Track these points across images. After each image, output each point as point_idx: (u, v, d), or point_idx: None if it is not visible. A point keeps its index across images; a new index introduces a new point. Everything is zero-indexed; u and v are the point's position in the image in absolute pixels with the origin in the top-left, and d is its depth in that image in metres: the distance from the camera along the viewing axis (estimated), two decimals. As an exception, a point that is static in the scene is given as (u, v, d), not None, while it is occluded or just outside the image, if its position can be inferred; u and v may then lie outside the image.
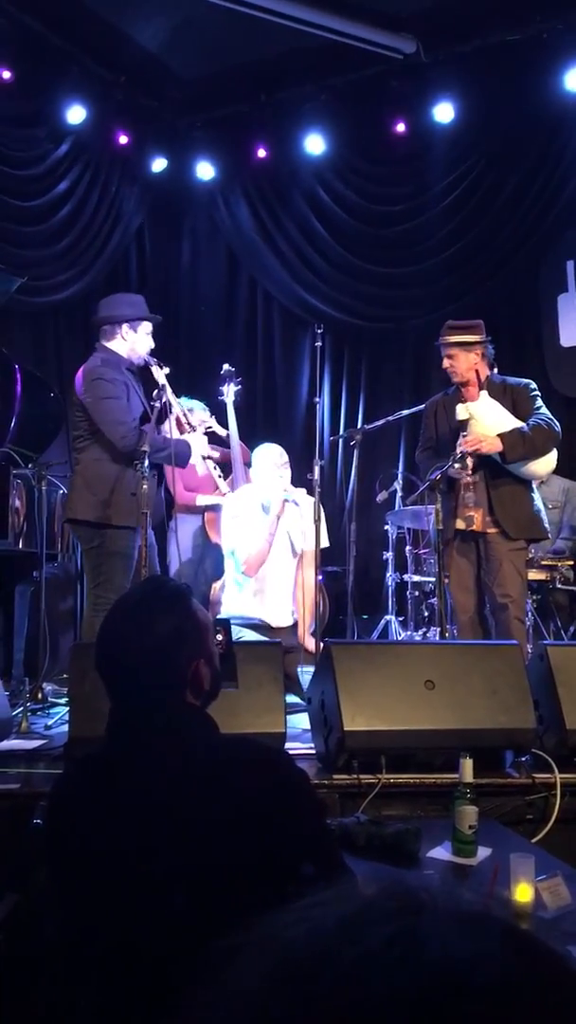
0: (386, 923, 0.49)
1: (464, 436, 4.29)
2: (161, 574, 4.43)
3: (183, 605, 1.65)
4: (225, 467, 5.69)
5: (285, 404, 7.76)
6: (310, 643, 4.70)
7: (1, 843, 2.83)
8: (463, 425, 4.32)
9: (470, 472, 4.29)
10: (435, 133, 7.00)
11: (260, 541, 4.77)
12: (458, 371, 4.47)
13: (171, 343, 7.35)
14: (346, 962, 0.47)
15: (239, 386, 5.77)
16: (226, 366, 5.77)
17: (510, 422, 4.32)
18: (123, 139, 7.25)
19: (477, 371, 4.46)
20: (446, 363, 4.51)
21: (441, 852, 2.51)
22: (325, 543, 4.74)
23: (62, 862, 1.58)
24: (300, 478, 5.07)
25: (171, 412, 4.42)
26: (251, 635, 4.31)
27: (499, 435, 4.26)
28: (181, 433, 4.46)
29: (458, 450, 4.27)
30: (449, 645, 3.84)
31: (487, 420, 4.33)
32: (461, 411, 4.34)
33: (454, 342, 4.47)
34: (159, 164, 7.58)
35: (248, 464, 5.28)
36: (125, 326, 4.43)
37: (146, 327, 4.47)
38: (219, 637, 1.93)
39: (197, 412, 5.56)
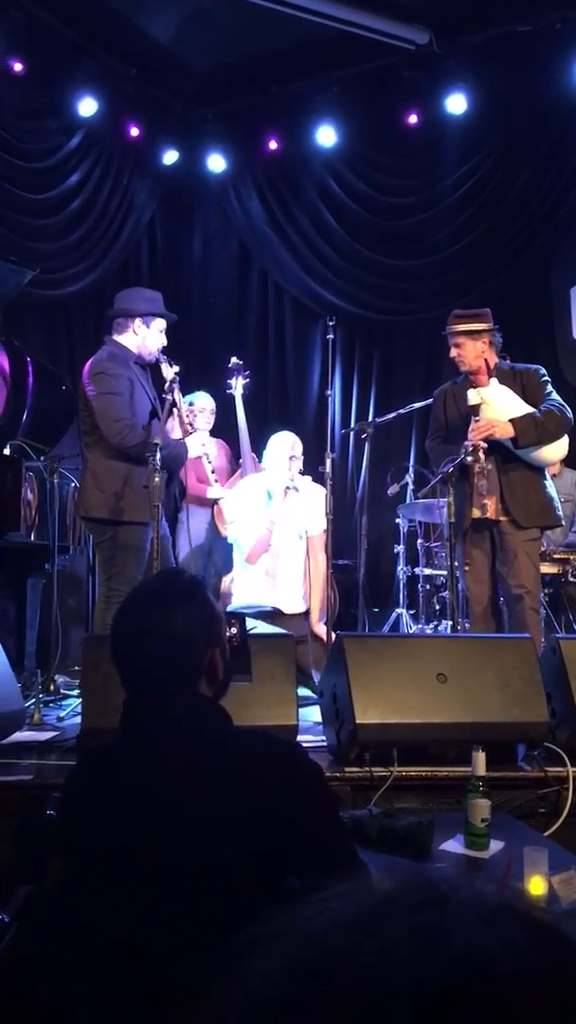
0: (409, 915, 0.49)
1: (476, 421, 4.27)
2: (173, 566, 4.43)
3: (198, 596, 1.66)
4: (233, 460, 5.70)
5: (296, 397, 7.75)
6: (321, 630, 4.70)
7: (14, 834, 2.84)
8: (475, 410, 4.30)
9: (483, 459, 4.27)
10: (447, 124, 6.97)
11: (261, 529, 4.79)
12: (466, 360, 4.45)
13: (182, 335, 7.35)
14: (370, 954, 0.47)
15: (247, 379, 5.76)
16: (234, 359, 5.76)
17: (521, 408, 4.30)
18: (134, 131, 7.24)
19: (486, 359, 4.43)
20: (453, 352, 4.48)
21: (454, 845, 2.50)
22: (323, 526, 4.72)
23: (74, 853, 1.58)
24: (312, 470, 5.06)
25: (176, 411, 4.41)
26: (263, 626, 4.31)
27: (511, 420, 4.24)
28: (184, 433, 4.46)
29: (470, 435, 4.25)
30: (461, 638, 3.83)
31: (499, 405, 4.30)
32: (473, 396, 4.32)
33: (461, 331, 4.45)
34: (170, 156, 7.57)
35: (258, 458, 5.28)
36: (138, 320, 4.42)
37: (159, 324, 4.46)
38: (233, 630, 1.93)
39: (201, 400, 5.55)
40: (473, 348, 4.42)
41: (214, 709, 1.64)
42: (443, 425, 4.60)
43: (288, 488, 4.85)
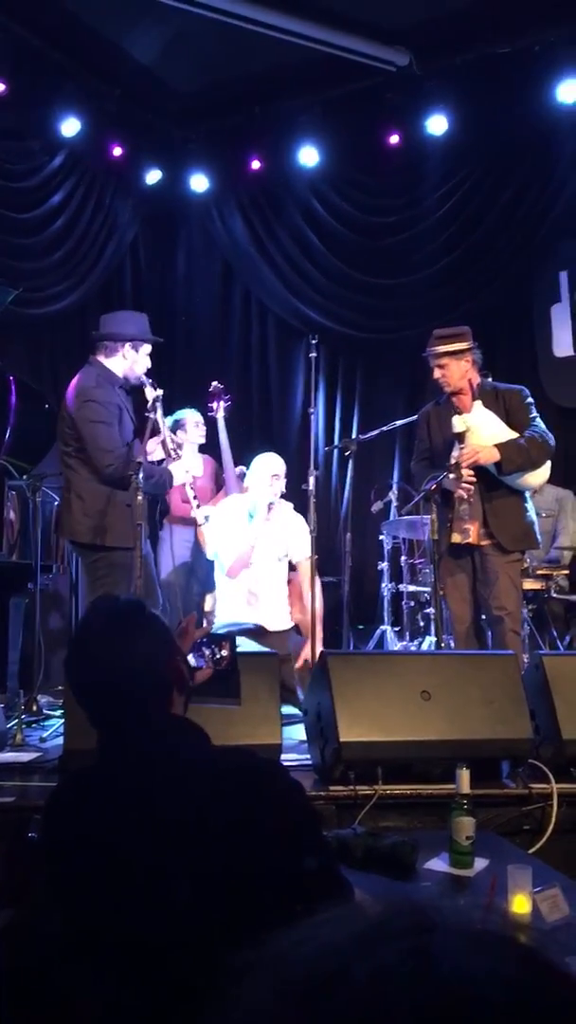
0: (399, 940, 0.49)
1: (460, 448, 4.28)
2: (150, 585, 4.40)
3: (145, 613, 1.70)
4: (216, 481, 5.72)
5: (280, 414, 7.77)
6: (308, 652, 4.68)
7: (-4, 857, 2.81)
8: (460, 437, 4.31)
9: (471, 486, 4.27)
10: (429, 145, 7.03)
11: (242, 545, 4.79)
12: (451, 381, 4.45)
13: (165, 354, 7.36)
14: (361, 979, 0.47)
15: (228, 402, 5.78)
16: (215, 383, 5.78)
17: (505, 433, 4.32)
18: (117, 151, 7.26)
19: (469, 379, 4.45)
20: (437, 373, 4.47)
21: (438, 863, 2.50)
22: (308, 553, 4.72)
23: (58, 875, 1.57)
24: (295, 488, 5.07)
25: (159, 434, 4.41)
26: (247, 643, 4.30)
27: (496, 445, 4.25)
28: (166, 455, 4.46)
29: (453, 462, 4.27)
30: (445, 655, 3.83)
31: (483, 432, 4.32)
32: (458, 423, 4.32)
33: (444, 351, 4.43)
34: (153, 176, 7.60)
35: (241, 477, 5.29)
36: (127, 345, 4.42)
37: (147, 348, 4.47)
38: (223, 652, 1.93)
39: (192, 415, 5.57)
40: (457, 368, 4.43)
41: (189, 728, 1.65)
42: (427, 448, 4.61)
43: (271, 504, 4.85)
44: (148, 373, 4.47)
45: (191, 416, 5.61)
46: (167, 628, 1.72)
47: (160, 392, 4.30)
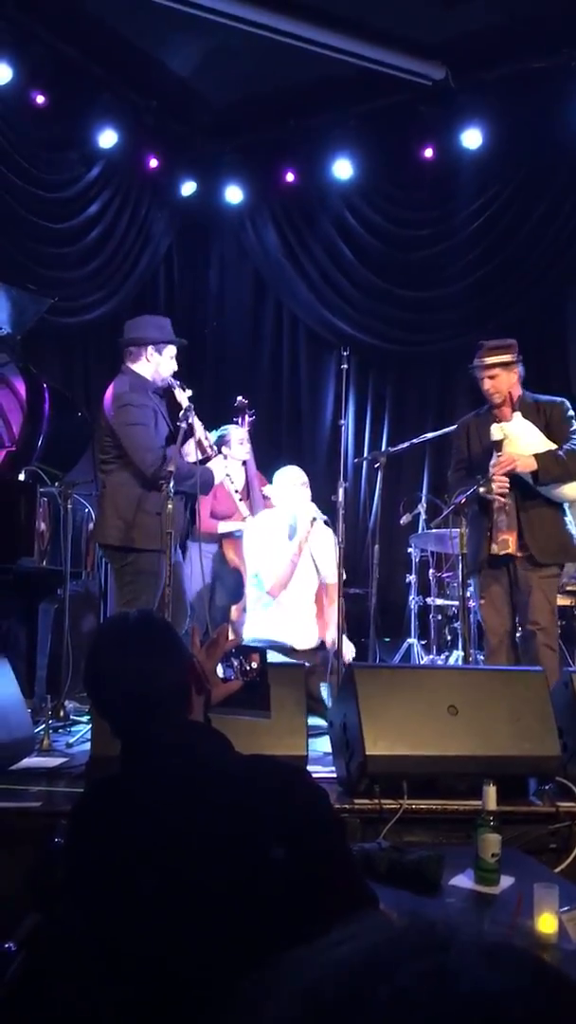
0: (415, 960, 0.49)
1: (498, 456, 4.27)
2: (179, 595, 4.41)
3: (157, 624, 1.75)
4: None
5: (310, 426, 7.78)
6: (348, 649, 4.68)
7: (22, 862, 2.82)
8: (497, 445, 4.29)
9: (505, 493, 4.25)
10: (463, 159, 7.03)
11: (284, 562, 4.76)
12: (501, 391, 4.43)
13: (197, 365, 7.40)
14: (379, 1001, 0.47)
15: (253, 417, 5.79)
16: (240, 398, 5.79)
17: (543, 443, 4.29)
18: (153, 163, 7.33)
19: (510, 391, 4.44)
20: (488, 384, 4.43)
21: (463, 880, 2.48)
22: (334, 578, 4.70)
23: (83, 882, 1.58)
24: (324, 500, 5.06)
25: (194, 434, 4.42)
26: (276, 657, 4.30)
27: (534, 455, 4.23)
28: (203, 455, 4.47)
29: (491, 471, 4.24)
30: (473, 670, 3.81)
31: (521, 441, 4.29)
32: (496, 431, 4.31)
33: (496, 362, 4.41)
34: (188, 188, 7.66)
35: (265, 497, 5.28)
36: (150, 348, 4.45)
37: (171, 350, 4.49)
38: (252, 664, 1.93)
39: (236, 432, 5.58)
40: (507, 379, 4.42)
41: (211, 735, 1.66)
42: (466, 458, 4.59)
43: (315, 520, 4.81)
44: (176, 376, 4.49)
45: (235, 433, 5.62)
46: (177, 637, 1.74)
47: (190, 392, 4.33)
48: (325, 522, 4.86)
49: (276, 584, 4.78)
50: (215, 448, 4.60)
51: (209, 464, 4.45)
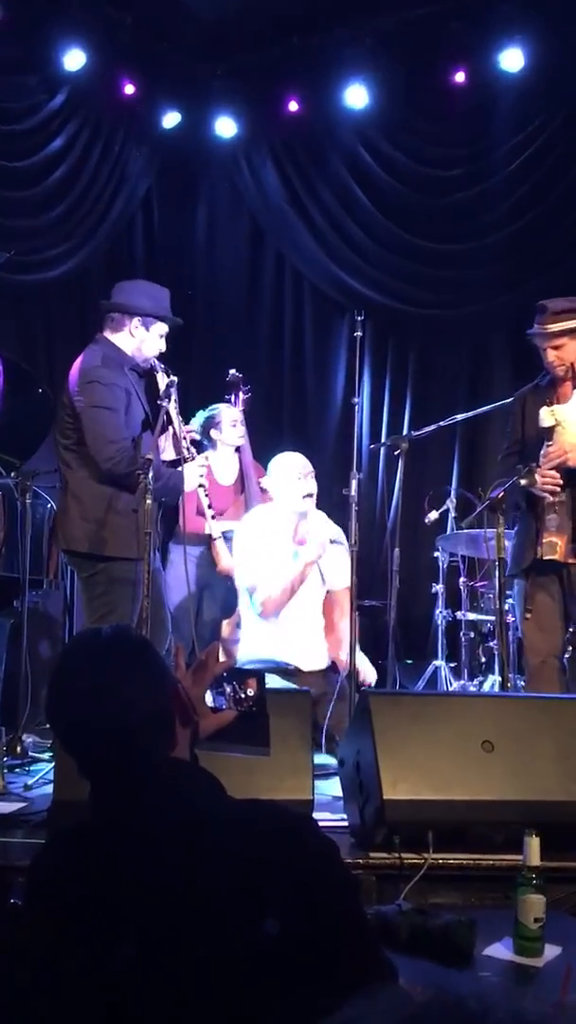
0: None
1: (548, 446, 4.25)
2: (159, 608, 4.41)
3: (132, 641, 1.76)
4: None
5: (317, 405, 7.78)
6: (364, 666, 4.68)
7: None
8: (547, 433, 4.27)
9: (553, 492, 4.23)
10: (501, 84, 7.01)
11: (281, 581, 4.73)
12: (567, 363, 4.39)
13: (182, 333, 7.38)
14: None
15: (248, 394, 5.79)
16: (232, 372, 5.80)
17: None
18: (129, 89, 7.32)
19: (573, 363, 4.40)
20: (551, 356, 4.40)
21: (500, 950, 2.48)
22: (347, 582, 4.70)
23: (45, 948, 1.58)
24: (333, 494, 5.05)
25: (172, 427, 4.42)
26: (274, 680, 4.29)
27: None
28: (177, 454, 4.46)
29: (541, 462, 4.23)
30: (512, 698, 3.81)
31: None
32: (546, 416, 4.29)
33: (564, 329, 4.36)
34: (171, 119, 7.65)
35: (263, 490, 5.28)
36: (136, 320, 4.45)
37: (161, 328, 4.50)
38: (248, 691, 1.93)
39: (229, 412, 5.58)
40: (574, 349, 4.39)
41: (198, 775, 1.66)
42: (520, 439, 4.58)
43: (333, 541, 4.79)
44: (161, 358, 4.49)
45: (227, 413, 5.62)
46: (160, 659, 1.75)
47: (174, 379, 4.31)
48: (332, 541, 4.84)
49: (269, 604, 4.76)
50: (192, 450, 4.57)
51: (182, 468, 4.43)
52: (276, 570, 4.77)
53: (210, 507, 5.05)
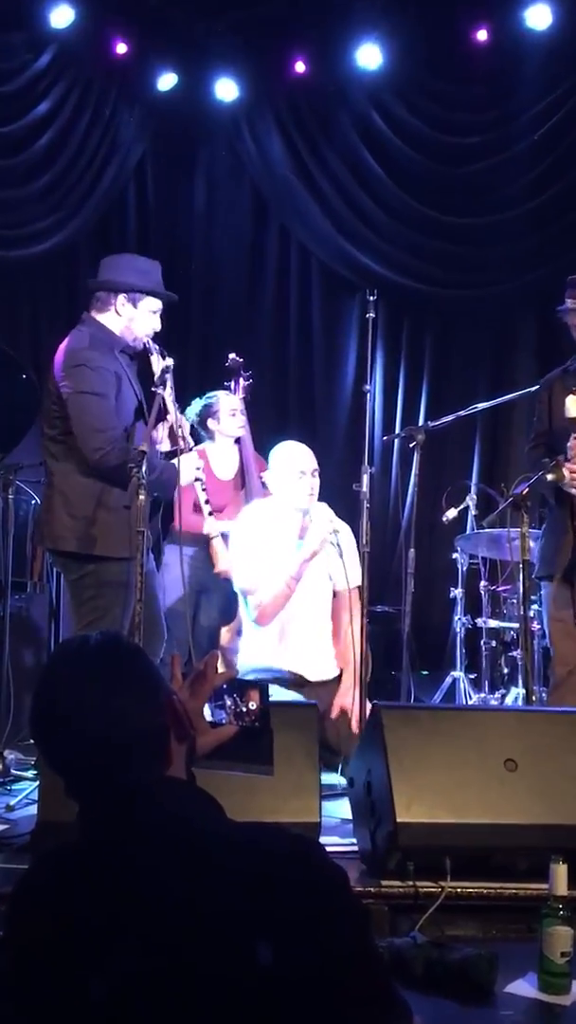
0: None
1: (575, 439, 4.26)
2: (153, 613, 4.41)
3: (123, 656, 1.73)
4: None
5: (325, 393, 7.78)
6: (349, 701, 4.66)
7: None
8: (574, 424, 4.28)
9: None
10: (526, 44, 7.02)
11: (279, 584, 4.72)
12: None
13: (178, 313, 7.37)
14: None
15: (250, 381, 5.78)
16: (232, 356, 5.79)
17: None
18: (121, 48, 7.32)
19: None
20: None
21: (524, 987, 2.48)
22: (358, 580, 4.70)
23: (27, 984, 1.58)
24: (343, 490, 5.05)
25: (165, 417, 4.41)
26: (278, 692, 4.29)
27: None
28: (173, 445, 4.45)
29: (569, 454, 4.22)
30: (537, 713, 3.81)
31: None
32: (572, 406, 4.29)
33: None
34: (167, 81, 7.64)
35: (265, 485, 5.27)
36: (121, 297, 4.43)
37: (151, 304, 4.47)
38: (250, 704, 1.93)
39: (228, 400, 5.57)
40: None
41: (196, 796, 1.66)
42: (547, 429, 4.58)
43: (330, 540, 4.76)
44: (156, 339, 4.48)
45: (226, 401, 5.61)
46: (154, 669, 1.75)
47: (170, 362, 4.30)
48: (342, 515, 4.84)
49: (264, 610, 4.75)
50: (189, 441, 4.56)
51: (176, 460, 4.41)
52: (275, 572, 4.75)
53: (207, 503, 5.04)
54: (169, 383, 4.28)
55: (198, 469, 4.55)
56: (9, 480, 4.79)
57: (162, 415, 4.35)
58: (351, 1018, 1.45)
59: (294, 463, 4.87)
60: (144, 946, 1.46)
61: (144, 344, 4.44)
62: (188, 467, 4.44)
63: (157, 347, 4.41)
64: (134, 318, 4.45)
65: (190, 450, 4.52)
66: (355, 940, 1.56)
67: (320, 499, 4.91)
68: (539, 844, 3.00)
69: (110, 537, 4.20)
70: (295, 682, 4.72)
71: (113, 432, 4.21)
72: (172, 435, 4.44)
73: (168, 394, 4.29)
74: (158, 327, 4.50)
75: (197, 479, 4.62)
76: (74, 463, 4.28)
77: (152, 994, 1.44)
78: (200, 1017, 1.42)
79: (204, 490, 4.90)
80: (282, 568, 4.74)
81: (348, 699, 4.65)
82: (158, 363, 4.32)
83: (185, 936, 1.46)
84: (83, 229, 7.23)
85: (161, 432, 4.46)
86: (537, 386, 4.81)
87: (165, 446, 4.45)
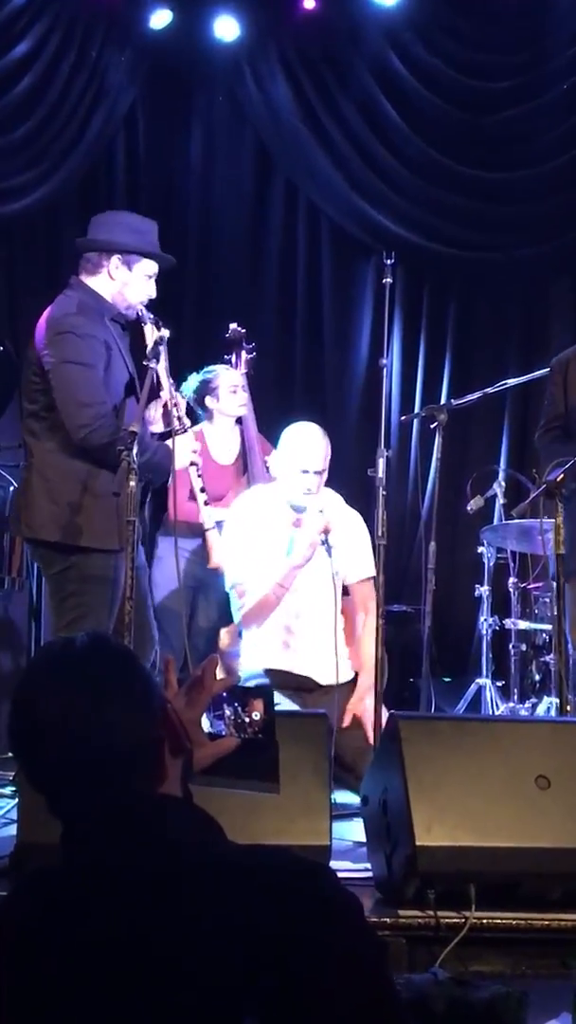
0: None
1: None
2: (144, 611, 4.41)
3: (112, 660, 1.74)
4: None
5: (336, 368, 7.79)
6: (366, 709, 4.66)
7: None
8: None
9: None
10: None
11: (265, 589, 4.69)
12: None
13: (173, 278, 7.38)
14: None
15: (253, 354, 5.77)
16: (233, 327, 5.77)
17: None
18: (109, -18, 7.33)
19: None
20: None
21: (557, 1028, 2.49)
22: (370, 572, 4.69)
23: (8, 1018, 1.59)
24: (356, 476, 5.04)
25: (159, 395, 4.41)
26: (287, 703, 4.30)
27: None
28: (167, 425, 4.44)
29: None
30: (573, 725, 3.81)
31: None
32: None
33: None
34: (160, 18, 7.63)
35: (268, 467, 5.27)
36: (116, 259, 4.42)
37: (147, 267, 4.47)
38: (254, 714, 1.93)
39: (228, 376, 5.56)
40: None
41: (193, 815, 1.67)
42: (563, 412, 4.59)
43: (324, 542, 4.73)
44: (151, 307, 4.47)
45: (226, 377, 5.59)
46: (145, 674, 1.75)
47: (165, 334, 4.30)
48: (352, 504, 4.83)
49: (247, 615, 4.74)
50: (185, 421, 4.56)
51: (171, 441, 4.40)
52: (264, 572, 4.73)
53: (203, 491, 5.04)
54: (163, 356, 4.27)
55: (194, 452, 4.55)
56: (-16, 464, 4.79)
57: (155, 392, 4.34)
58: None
59: (297, 458, 4.81)
60: (134, 981, 1.47)
61: (138, 312, 4.43)
62: (184, 449, 4.44)
63: (152, 316, 4.40)
64: (128, 283, 4.44)
65: (186, 431, 4.52)
66: (370, 976, 1.56)
67: (331, 486, 4.90)
68: (573, 870, 3.00)
69: (96, 526, 4.20)
70: (302, 686, 4.71)
71: (101, 407, 4.20)
72: (166, 414, 4.44)
73: (162, 368, 4.29)
74: (153, 294, 4.50)
75: (193, 463, 4.61)
76: (57, 442, 4.29)
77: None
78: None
79: (200, 476, 4.89)
80: (271, 570, 4.71)
81: (362, 708, 4.65)
82: (152, 334, 4.31)
83: (179, 971, 1.47)
84: (66, 185, 7.22)
85: (154, 411, 4.46)
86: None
87: (158, 427, 4.45)
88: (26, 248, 7.22)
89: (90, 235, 4.54)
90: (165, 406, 4.43)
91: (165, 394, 4.42)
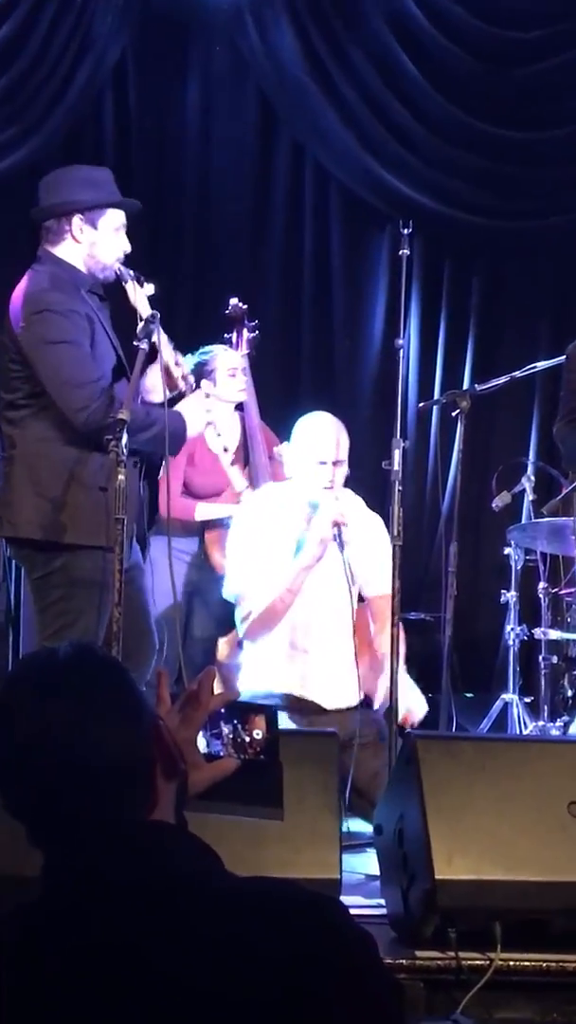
0: None
1: None
2: (138, 617, 4.42)
3: (100, 675, 1.74)
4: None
5: (347, 349, 7.78)
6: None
7: None
8: None
9: None
10: None
11: (272, 595, 4.68)
12: None
13: (166, 249, 7.39)
14: None
15: (255, 333, 5.76)
16: (234, 302, 5.77)
17: None
18: None
19: None
20: None
21: None
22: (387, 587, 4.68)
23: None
24: (370, 469, 5.04)
25: (158, 358, 4.40)
26: (288, 722, 4.30)
27: None
28: (171, 391, 4.43)
29: None
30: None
31: None
32: None
33: None
34: (152, -39, 7.65)
35: (273, 457, 5.27)
36: (77, 219, 4.40)
37: (113, 219, 4.46)
38: (255, 732, 1.93)
39: (222, 359, 5.56)
40: None
41: (188, 844, 1.67)
42: None
43: (337, 537, 4.72)
44: (129, 262, 4.46)
45: (224, 358, 5.59)
46: (136, 689, 1.75)
47: (151, 289, 4.30)
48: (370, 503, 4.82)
49: (251, 626, 4.74)
50: (191, 380, 4.57)
51: (180, 406, 4.42)
52: (269, 578, 4.73)
53: (225, 450, 5.06)
54: (157, 318, 4.28)
55: (209, 412, 4.53)
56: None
57: (153, 357, 4.33)
58: None
59: (313, 450, 4.80)
60: (114, 1021, 1.47)
61: (116, 272, 4.42)
62: (196, 411, 4.44)
63: (132, 273, 4.39)
64: (96, 242, 4.42)
65: (194, 390, 4.54)
66: (384, 1020, 1.57)
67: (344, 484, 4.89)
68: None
69: (85, 522, 4.21)
70: (309, 708, 4.71)
71: (96, 385, 4.22)
72: (169, 377, 4.41)
73: (157, 330, 4.28)
74: (128, 248, 4.47)
75: (209, 423, 4.60)
76: (41, 431, 4.29)
77: None
78: None
79: (219, 435, 4.88)
80: (278, 575, 4.70)
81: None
82: (137, 292, 4.31)
83: (174, 1015, 1.47)
84: (49, 144, 7.23)
85: (152, 378, 4.43)
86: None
87: (157, 395, 4.40)
88: (5, 215, 7.22)
89: (42, 201, 4.52)
90: (167, 369, 4.39)
91: (166, 355, 4.40)
